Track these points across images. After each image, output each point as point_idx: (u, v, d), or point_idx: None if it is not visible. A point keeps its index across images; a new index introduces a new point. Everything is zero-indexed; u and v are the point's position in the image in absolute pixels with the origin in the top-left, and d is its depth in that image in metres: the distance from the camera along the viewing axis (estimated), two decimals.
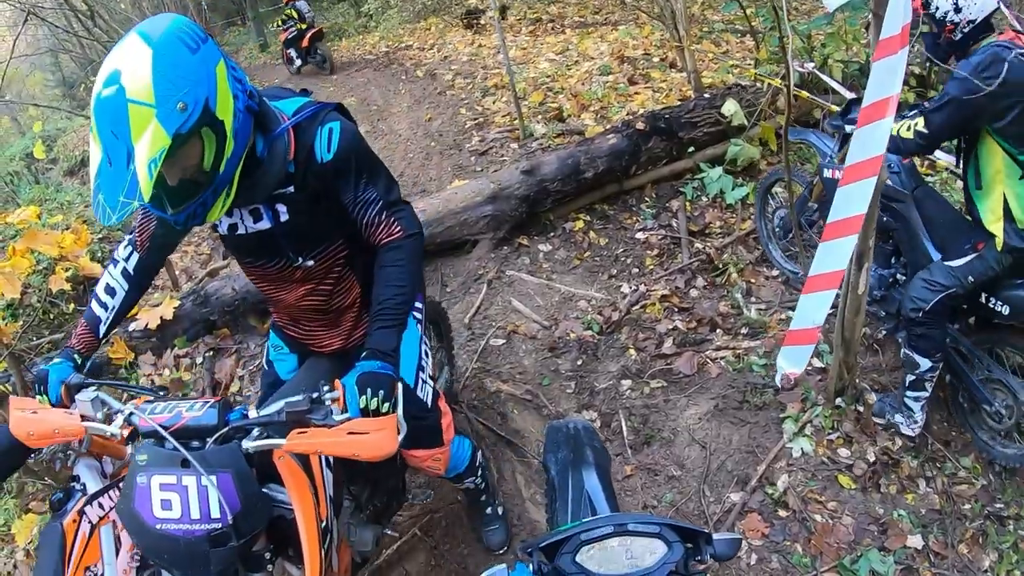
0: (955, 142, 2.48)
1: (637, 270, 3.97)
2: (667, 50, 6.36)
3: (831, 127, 2.98)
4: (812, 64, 3.75)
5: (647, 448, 2.88)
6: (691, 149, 4.48)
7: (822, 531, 2.44)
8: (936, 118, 2.28)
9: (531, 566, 1.24)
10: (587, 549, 1.19)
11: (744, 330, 3.39)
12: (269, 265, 1.72)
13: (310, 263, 1.70)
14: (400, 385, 1.44)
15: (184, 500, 1.26)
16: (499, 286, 3.95)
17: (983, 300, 2.48)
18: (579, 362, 3.34)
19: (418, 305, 1.99)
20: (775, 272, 3.72)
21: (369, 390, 1.38)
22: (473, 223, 4.14)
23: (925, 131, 2.32)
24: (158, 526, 1.26)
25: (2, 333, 2.87)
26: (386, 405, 1.39)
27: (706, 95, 4.69)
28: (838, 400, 2.78)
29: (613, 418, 3.02)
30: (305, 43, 10.05)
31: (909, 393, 2.65)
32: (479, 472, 2.34)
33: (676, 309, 3.60)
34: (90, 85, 1.31)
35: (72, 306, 4.17)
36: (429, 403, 1.97)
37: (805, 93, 3.74)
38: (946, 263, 2.48)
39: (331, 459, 1.65)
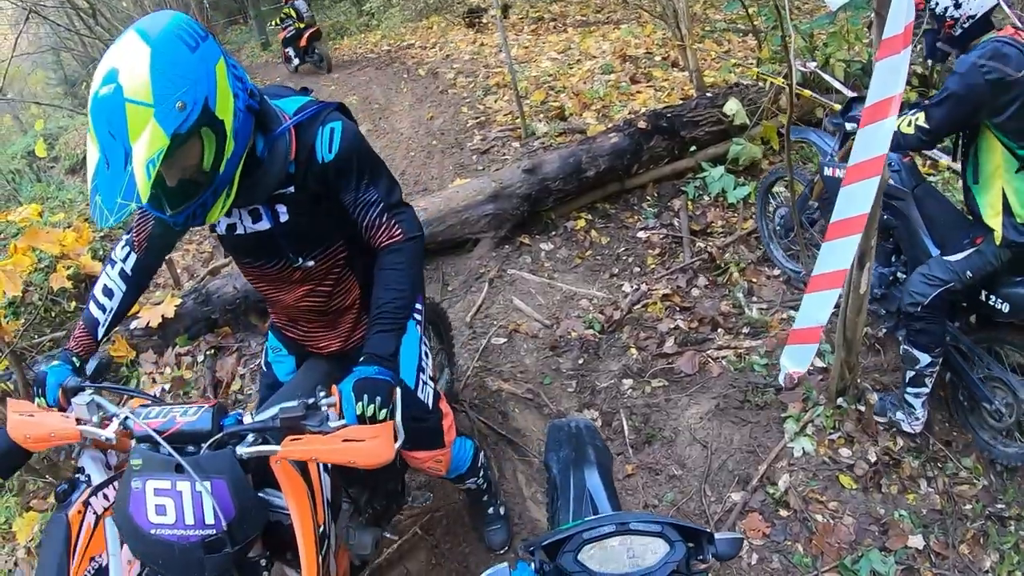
0: (953, 138, 2.48)
1: (639, 269, 3.97)
2: (669, 49, 6.35)
3: (831, 125, 2.97)
4: (814, 63, 3.74)
5: (648, 447, 2.87)
6: (693, 148, 4.48)
7: (823, 531, 2.44)
8: (937, 113, 2.28)
9: (533, 564, 1.24)
10: (589, 548, 1.19)
11: (745, 329, 3.38)
12: (268, 266, 1.70)
13: (310, 263, 1.68)
14: (398, 391, 1.42)
15: (179, 505, 1.25)
16: (500, 285, 3.95)
17: (983, 298, 2.48)
18: (580, 361, 3.34)
19: (418, 306, 1.95)
20: (777, 271, 3.72)
21: (366, 396, 1.36)
22: (475, 222, 4.14)
23: (926, 126, 2.31)
24: (153, 531, 1.25)
25: (3, 331, 2.86)
26: (383, 411, 1.37)
27: (708, 94, 4.69)
28: (839, 400, 2.78)
29: (614, 417, 3.02)
30: (303, 42, 10.07)
31: (909, 389, 2.64)
32: (481, 473, 2.34)
33: (678, 308, 3.60)
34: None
35: (73, 304, 4.17)
36: (430, 405, 1.96)
37: (807, 92, 3.73)
38: (945, 258, 2.48)
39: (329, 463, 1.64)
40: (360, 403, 1.36)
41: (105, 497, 1.44)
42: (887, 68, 1.87)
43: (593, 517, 1.35)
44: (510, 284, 3.94)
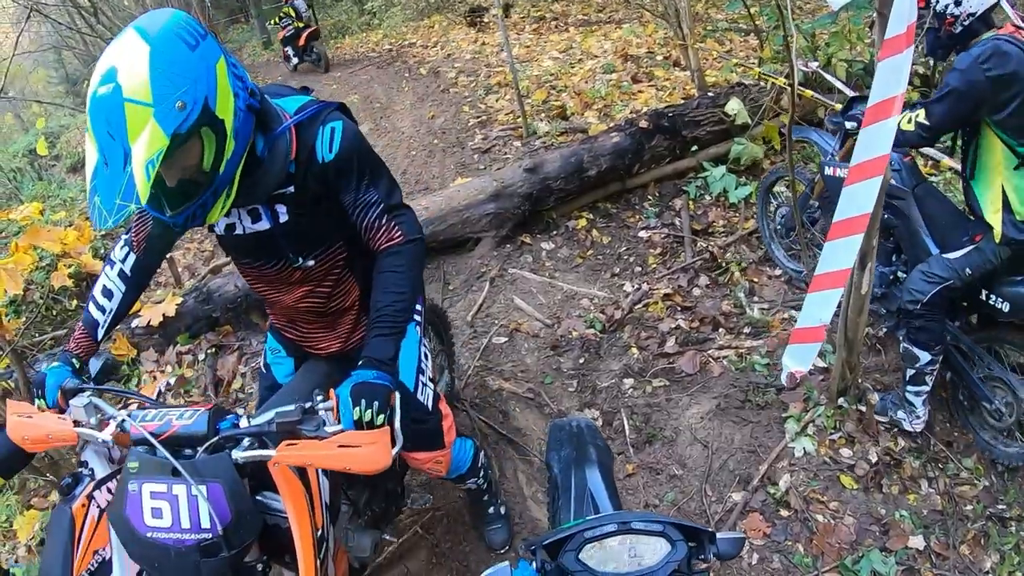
0: (953, 135, 2.48)
1: (640, 268, 3.97)
2: (671, 48, 6.34)
3: (832, 124, 2.97)
4: (816, 63, 3.73)
5: (649, 447, 2.87)
6: (694, 148, 4.47)
7: (824, 531, 2.44)
8: (937, 109, 2.28)
9: (534, 564, 1.23)
10: (590, 547, 1.19)
11: (747, 329, 3.38)
12: (267, 266, 1.69)
13: (310, 264, 1.67)
14: (397, 395, 1.40)
15: (175, 509, 1.24)
16: (501, 284, 3.95)
17: (983, 297, 2.48)
18: (581, 360, 3.34)
19: (418, 308, 1.94)
20: (778, 271, 3.71)
21: (363, 401, 1.33)
22: (476, 221, 4.13)
23: (926, 123, 2.31)
24: (149, 534, 1.25)
25: (5, 329, 2.86)
26: (380, 417, 1.34)
27: (710, 94, 4.68)
28: (840, 400, 2.78)
29: (615, 417, 3.02)
30: (301, 41, 10.11)
31: (910, 388, 2.64)
32: (481, 473, 2.33)
33: (679, 308, 3.60)
34: None
35: (75, 303, 4.18)
36: (430, 406, 1.95)
37: (809, 92, 3.73)
38: (944, 255, 2.48)
39: None
40: (357, 408, 1.33)
41: (109, 491, 1.44)
42: (889, 68, 1.87)
43: (594, 516, 1.35)
44: (511, 283, 3.94)
